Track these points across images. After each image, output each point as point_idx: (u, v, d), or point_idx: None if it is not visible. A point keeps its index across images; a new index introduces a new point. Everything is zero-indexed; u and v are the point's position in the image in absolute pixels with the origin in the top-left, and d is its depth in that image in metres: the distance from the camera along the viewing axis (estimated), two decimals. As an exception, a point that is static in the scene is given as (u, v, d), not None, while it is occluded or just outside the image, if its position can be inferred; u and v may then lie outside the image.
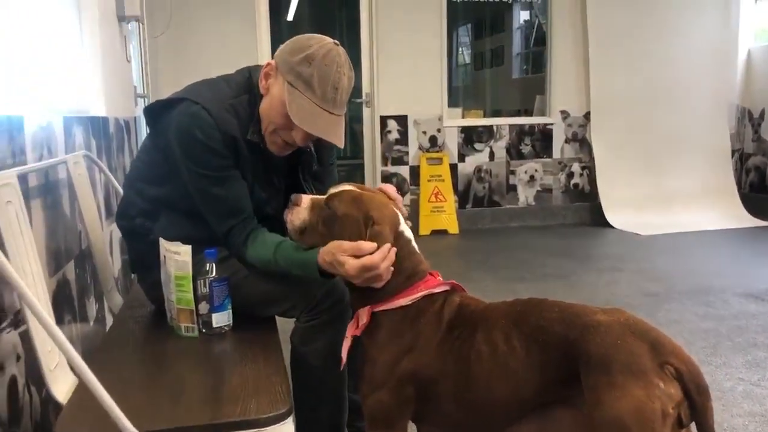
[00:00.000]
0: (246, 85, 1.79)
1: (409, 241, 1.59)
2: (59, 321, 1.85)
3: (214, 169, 1.72)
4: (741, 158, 7.01)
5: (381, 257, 1.48)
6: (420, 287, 1.54)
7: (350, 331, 1.58)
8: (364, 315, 1.54)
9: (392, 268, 1.51)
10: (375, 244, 1.49)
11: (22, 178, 1.62)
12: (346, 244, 1.51)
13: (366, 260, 1.47)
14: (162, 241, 1.72)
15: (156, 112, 1.79)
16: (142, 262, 1.92)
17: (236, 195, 1.76)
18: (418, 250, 1.60)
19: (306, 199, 1.59)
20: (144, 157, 1.89)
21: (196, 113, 1.68)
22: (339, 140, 1.72)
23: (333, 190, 1.58)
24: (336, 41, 1.72)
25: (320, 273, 1.61)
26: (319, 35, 1.72)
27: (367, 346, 1.55)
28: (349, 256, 1.49)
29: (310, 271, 1.62)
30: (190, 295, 1.68)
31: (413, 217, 6.08)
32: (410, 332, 1.50)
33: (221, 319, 1.72)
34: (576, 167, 6.64)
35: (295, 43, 1.71)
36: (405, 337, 1.50)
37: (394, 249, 1.52)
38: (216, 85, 1.79)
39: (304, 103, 1.65)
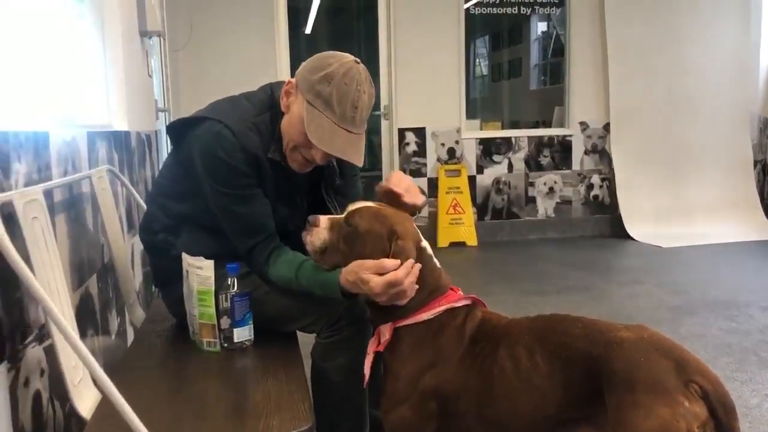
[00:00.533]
0: (268, 103, 1.80)
1: (431, 256, 1.60)
2: (82, 335, 1.87)
3: (236, 188, 1.73)
4: (763, 169, 6.92)
5: (405, 273, 1.48)
6: (442, 302, 1.55)
7: (372, 348, 1.58)
8: (386, 331, 1.54)
9: (416, 285, 1.51)
10: (398, 261, 1.49)
11: (48, 194, 1.64)
12: (369, 262, 1.51)
13: (390, 276, 1.48)
14: (185, 256, 1.73)
15: (179, 129, 1.81)
16: (165, 277, 1.93)
17: (259, 213, 1.77)
18: (439, 265, 1.61)
19: (324, 219, 1.60)
20: (167, 173, 1.91)
21: (218, 132, 1.69)
22: (357, 159, 1.72)
23: (351, 208, 1.59)
24: (357, 59, 1.72)
25: (342, 293, 1.61)
26: (340, 53, 1.73)
27: (388, 361, 1.55)
28: (373, 274, 1.49)
29: (332, 291, 1.63)
30: (212, 310, 1.69)
31: (431, 229, 6.10)
32: (432, 347, 1.50)
33: (242, 334, 1.73)
34: (596, 179, 6.60)
35: (315, 61, 1.72)
36: (427, 352, 1.50)
37: (418, 265, 1.52)
38: (238, 103, 1.81)
39: (322, 122, 1.66)
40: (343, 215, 1.59)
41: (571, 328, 1.40)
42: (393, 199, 1.65)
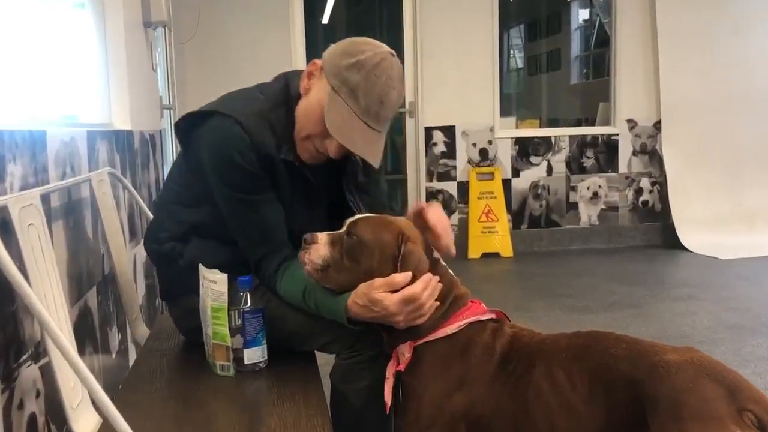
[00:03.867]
0: (283, 96, 1.79)
1: (446, 267, 1.61)
2: (80, 353, 1.88)
3: (248, 192, 1.73)
4: (835, 172, 6.81)
5: (422, 286, 1.49)
6: (465, 314, 1.56)
7: (391, 370, 1.58)
8: (405, 350, 1.55)
9: (436, 302, 1.53)
10: (409, 274, 1.51)
11: (45, 199, 1.66)
12: (378, 281, 1.52)
13: (406, 292, 1.49)
14: (201, 267, 1.73)
15: (186, 126, 1.81)
16: (173, 289, 1.93)
17: (271, 219, 1.77)
18: (454, 276, 1.63)
19: (322, 235, 1.60)
20: (177, 177, 1.91)
21: (228, 129, 1.69)
22: (375, 158, 1.70)
23: (350, 220, 1.61)
24: (393, 52, 1.71)
25: (349, 321, 1.62)
26: (377, 42, 1.72)
27: (409, 383, 1.55)
28: (385, 292, 1.51)
29: (339, 317, 1.63)
30: (226, 330, 1.68)
31: (462, 238, 6.08)
32: (460, 364, 1.50)
33: (254, 355, 1.72)
34: (645, 182, 6.54)
35: (348, 45, 1.71)
36: (454, 370, 1.50)
37: (437, 278, 1.52)
38: (251, 96, 1.80)
39: (343, 111, 1.65)
40: (342, 230, 1.60)
41: (613, 348, 1.40)
42: (427, 235, 1.65)
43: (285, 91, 1.80)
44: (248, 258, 1.79)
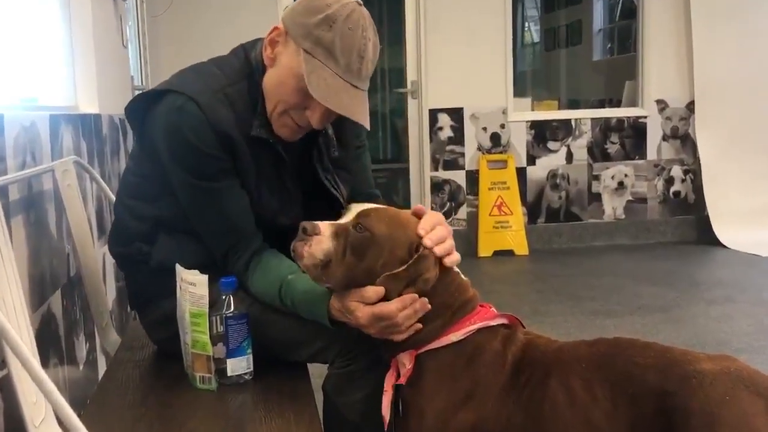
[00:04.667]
0: (243, 69, 1.79)
1: (457, 272, 1.61)
2: (44, 365, 1.88)
3: (207, 177, 1.73)
4: None
5: (398, 307, 1.51)
6: (472, 319, 1.56)
7: (390, 383, 1.58)
8: (406, 360, 1.55)
9: (418, 325, 1.54)
10: (381, 289, 1.51)
11: (2, 191, 1.66)
12: (354, 291, 1.55)
13: (377, 309, 1.51)
14: (178, 268, 1.73)
15: (139, 109, 1.81)
16: (142, 295, 1.94)
17: (234, 207, 1.77)
18: (464, 277, 1.63)
19: (324, 225, 1.56)
20: (133, 168, 1.92)
21: (182, 108, 1.70)
22: (365, 119, 1.72)
23: (358, 210, 1.59)
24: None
25: (330, 321, 1.64)
26: None
27: (410, 396, 1.55)
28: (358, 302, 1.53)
29: (320, 315, 1.65)
30: (207, 337, 1.69)
31: (471, 235, 6.09)
32: (467, 375, 1.50)
33: (238, 366, 1.73)
34: (677, 171, 6.55)
35: (309, 1, 1.70)
36: (461, 382, 1.50)
37: (423, 300, 1.52)
38: (206, 71, 1.80)
39: (326, 75, 1.64)
40: (348, 220, 1.58)
41: (640, 357, 1.40)
42: None
43: (245, 64, 1.80)
44: (213, 252, 1.81)
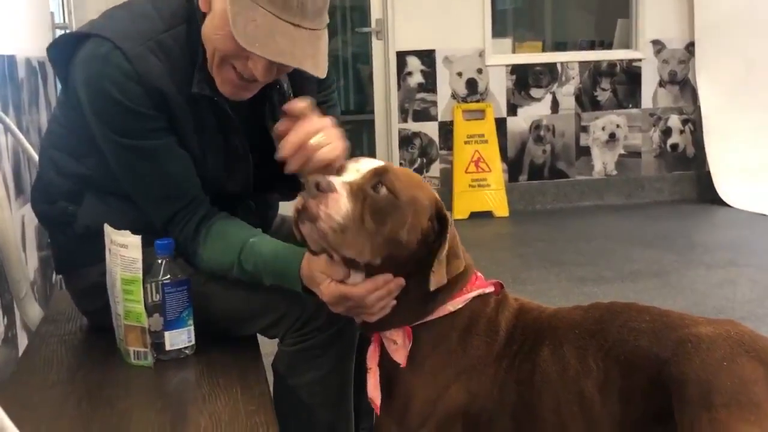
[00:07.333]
0: (183, 12, 1.75)
1: (455, 236, 1.59)
2: (-45, 341, 1.87)
3: (137, 136, 1.71)
4: None
5: (371, 287, 1.50)
6: (468, 288, 1.57)
7: (373, 360, 1.59)
8: (398, 338, 1.55)
9: (393, 302, 1.53)
10: (341, 271, 1.52)
11: None
12: (321, 263, 1.55)
13: (345, 289, 1.52)
14: (107, 228, 1.72)
15: (63, 52, 1.78)
16: (68, 261, 1.93)
17: (174, 169, 1.76)
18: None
19: (338, 182, 1.47)
20: (59, 117, 1.90)
21: (106, 57, 1.67)
22: (316, 66, 1.67)
23: (372, 165, 1.54)
24: None
25: (303, 288, 1.65)
26: None
27: (395, 374, 1.56)
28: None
29: (290, 283, 1.65)
30: (141, 307, 1.68)
31: (445, 195, 6.10)
32: (459, 349, 1.53)
33: (178, 339, 1.73)
34: (675, 121, 6.60)
35: None
36: (453, 357, 1.52)
37: (399, 279, 1.52)
38: (141, 12, 1.76)
39: (255, 15, 1.58)
40: (362, 176, 1.51)
41: (635, 321, 1.43)
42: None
43: (187, 6, 1.75)
44: (154, 222, 1.79)
